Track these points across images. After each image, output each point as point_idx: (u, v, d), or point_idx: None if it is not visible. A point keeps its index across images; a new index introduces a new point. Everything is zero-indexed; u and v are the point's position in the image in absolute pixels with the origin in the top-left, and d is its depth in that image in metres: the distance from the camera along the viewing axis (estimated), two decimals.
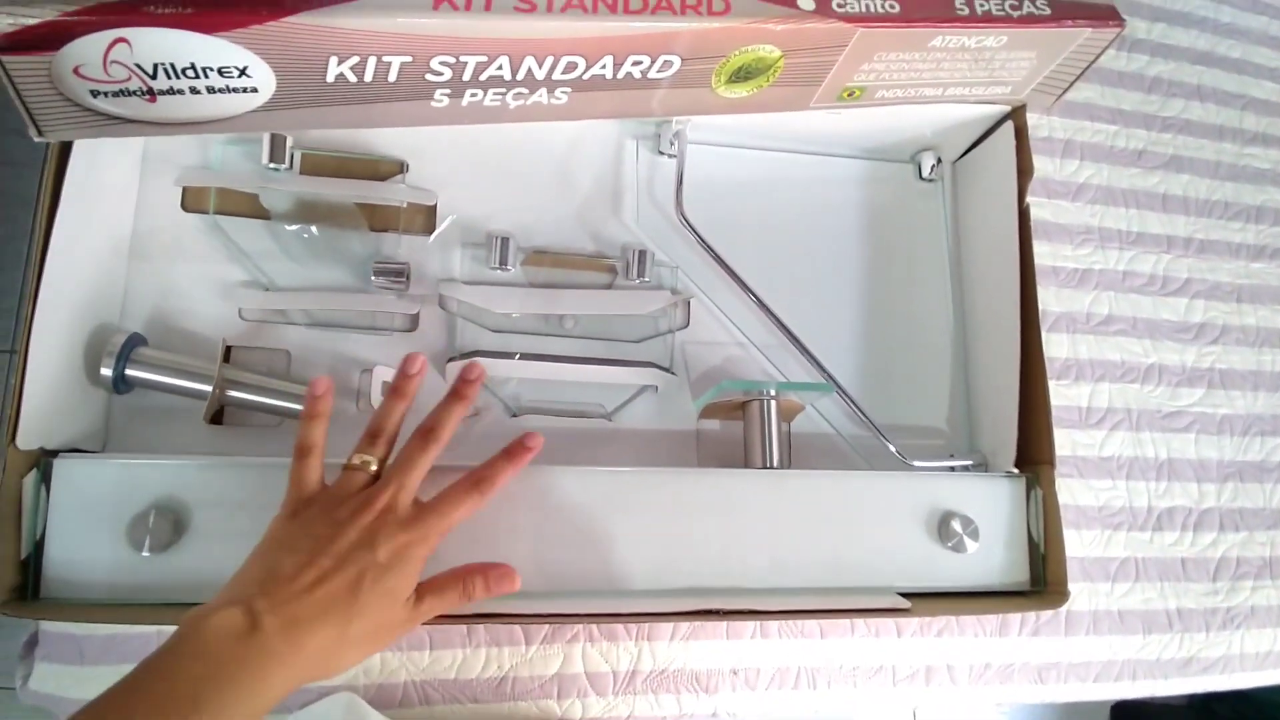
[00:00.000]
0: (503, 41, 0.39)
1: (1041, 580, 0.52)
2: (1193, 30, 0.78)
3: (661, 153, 0.58)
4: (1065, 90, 0.55)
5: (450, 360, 0.52)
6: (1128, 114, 0.71)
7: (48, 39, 0.35)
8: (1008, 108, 0.56)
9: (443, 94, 0.42)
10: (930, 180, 0.62)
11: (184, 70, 0.37)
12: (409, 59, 0.39)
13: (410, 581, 0.38)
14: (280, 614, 0.34)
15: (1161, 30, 0.76)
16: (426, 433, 0.41)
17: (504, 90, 0.43)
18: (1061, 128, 0.69)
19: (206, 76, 0.37)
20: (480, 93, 0.43)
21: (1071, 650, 0.59)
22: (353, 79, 0.40)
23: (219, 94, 0.39)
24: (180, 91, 0.38)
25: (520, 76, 0.42)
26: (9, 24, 0.34)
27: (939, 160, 0.62)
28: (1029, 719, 1.33)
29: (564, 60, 0.42)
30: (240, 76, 0.38)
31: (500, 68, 0.41)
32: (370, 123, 0.43)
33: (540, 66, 0.42)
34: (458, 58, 0.40)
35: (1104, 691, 0.60)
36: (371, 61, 0.39)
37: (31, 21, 0.34)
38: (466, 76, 0.41)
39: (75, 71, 0.36)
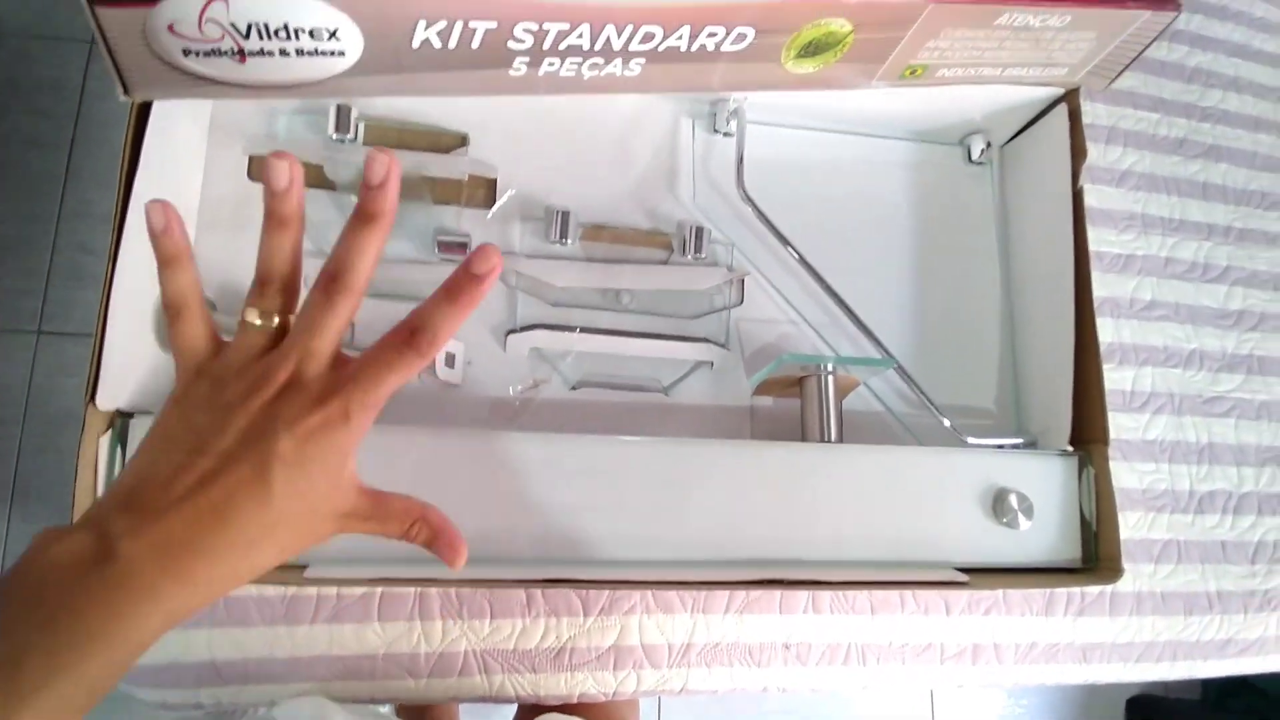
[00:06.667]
0: (586, 9, 0.40)
1: (1094, 558, 0.52)
2: (1229, 23, 0.78)
3: (717, 131, 0.58)
4: (1118, 74, 0.55)
5: (509, 333, 0.52)
6: (1168, 102, 0.72)
7: None
8: (1059, 91, 0.57)
9: (521, 62, 0.43)
10: (979, 163, 0.63)
11: (276, 31, 0.37)
12: (494, 25, 0.40)
13: (333, 478, 0.28)
14: (146, 535, 0.26)
15: (1200, 22, 0.77)
16: (329, 280, 0.29)
17: (580, 60, 0.43)
18: (1105, 115, 0.70)
19: (297, 38, 0.38)
20: (557, 62, 0.43)
21: (1115, 630, 0.60)
22: (437, 44, 0.40)
23: (307, 56, 0.39)
24: (270, 53, 0.38)
25: (598, 46, 0.42)
26: None
27: (988, 144, 0.63)
28: (1046, 712, 1.34)
29: (643, 30, 0.42)
30: (330, 39, 0.38)
31: (580, 35, 0.41)
32: (447, 90, 0.44)
33: (619, 35, 0.42)
34: (541, 25, 0.40)
35: (1145, 672, 0.61)
36: (458, 26, 0.39)
37: None
38: (547, 45, 0.42)
39: (169, 29, 0.36)
